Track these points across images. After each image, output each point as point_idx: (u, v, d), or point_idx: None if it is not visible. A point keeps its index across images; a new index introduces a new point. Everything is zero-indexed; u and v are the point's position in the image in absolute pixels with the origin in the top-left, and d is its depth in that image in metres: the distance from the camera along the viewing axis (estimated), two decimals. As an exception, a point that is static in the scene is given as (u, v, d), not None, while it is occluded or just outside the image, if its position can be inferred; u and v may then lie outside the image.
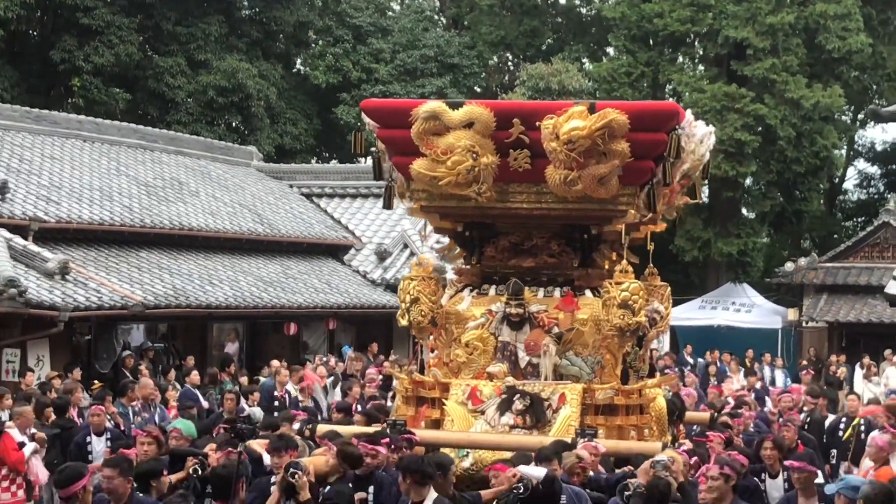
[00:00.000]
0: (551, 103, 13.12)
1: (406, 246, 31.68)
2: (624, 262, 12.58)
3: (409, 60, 45.72)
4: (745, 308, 38.30)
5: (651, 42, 43.02)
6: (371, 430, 12.69)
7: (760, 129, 39.58)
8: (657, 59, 42.41)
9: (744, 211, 44.10)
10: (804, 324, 36.44)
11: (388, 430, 12.17)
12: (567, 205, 12.61)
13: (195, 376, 21.21)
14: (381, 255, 31.78)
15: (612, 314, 12.36)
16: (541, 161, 12.33)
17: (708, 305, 38.72)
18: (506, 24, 48.18)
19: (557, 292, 13.24)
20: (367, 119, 13.34)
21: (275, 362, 22.64)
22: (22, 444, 14.04)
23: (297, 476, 10.15)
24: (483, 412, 12.56)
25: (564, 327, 12.88)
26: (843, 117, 46.39)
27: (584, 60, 47.92)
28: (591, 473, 11.26)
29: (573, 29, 49.87)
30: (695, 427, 15.65)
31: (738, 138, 38.67)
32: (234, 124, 43.83)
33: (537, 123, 12.14)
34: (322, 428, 12.89)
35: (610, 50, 46.83)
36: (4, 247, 22.53)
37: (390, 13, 50.96)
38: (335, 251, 32.72)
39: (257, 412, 13.00)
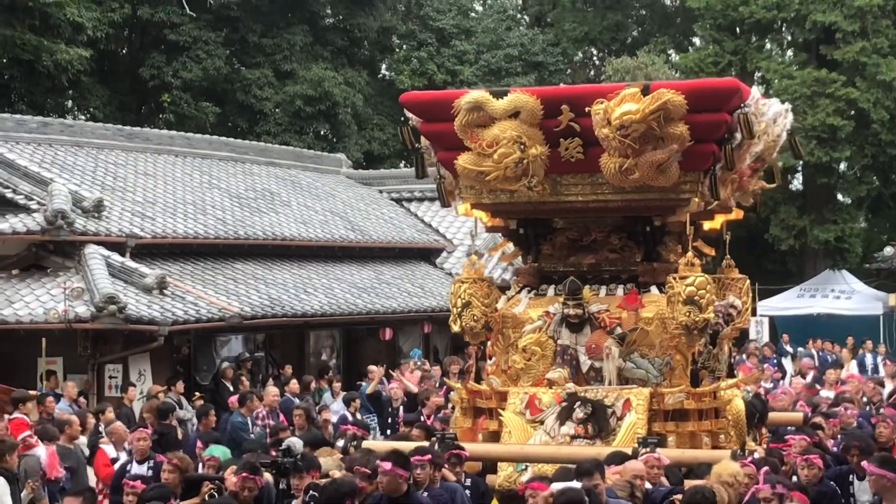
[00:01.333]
0: (602, 86, 12.16)
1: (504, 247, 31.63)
2: (689, 254, 11.78)
3: (494, 61, 45.71)
4: (844, 295, 37.80)
5: (737, 30, 42.59)
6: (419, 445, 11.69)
7: (853, 113, 39.04)
8: (744, 47, 41.98)
9: (839, 197, 43.44)
10: (906, 308, 35.94)
11: (435, 445, 11.45)
12: (625, 195, 11.91)
13: (294, 385, 21.40)
14: (478, 255, 31.75)
15: (678, 311, 11.53)
16: (594, 149, 11.63)
17: (806, 294, 38.27)
18: (589, 20, 48.01)
19: (620, 290, 12.46)
20: (409, 114, 12.78)
21: (372, 368, 22.76)
22: (114, 460, 14.24)
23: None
24: (542, 422, 11.87)
25: (628, 327, 12.10)
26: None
27: (671, 52, 47.61)
28: (649, 486, 10.30)
29: (658, 21, 49.59)
30: (789, 430, 14.52)
31: (830, 123, 38.19)
32: (322, 132, 44.13)
33: (587, 109, 11.41)
34: (370, 444, 12.22)
35: (696, 40, 46.50)
36: (103, 264, 22.85)
37: (473, 14, 50.96)
38: (427, 255, 32.77)
39: (297, 443, 12.42)
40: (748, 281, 13.89)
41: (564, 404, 11.75)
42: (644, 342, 12.04)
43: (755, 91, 12.13)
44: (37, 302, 22.29)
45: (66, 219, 23.07)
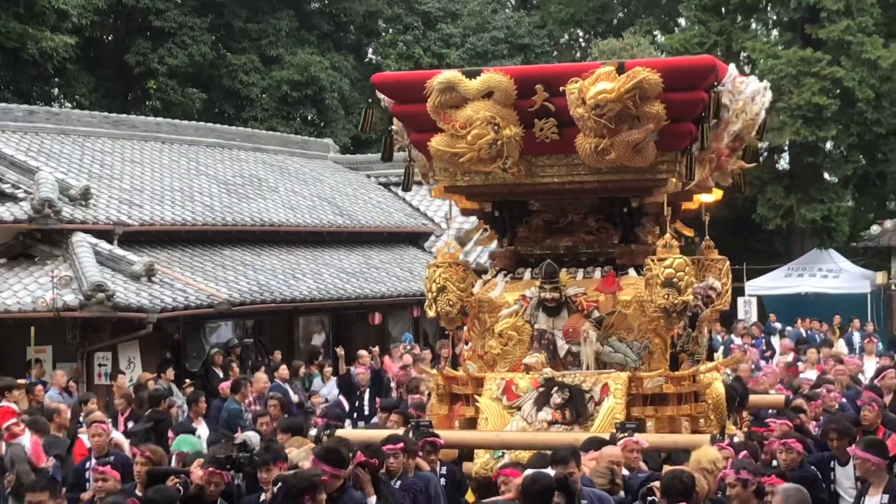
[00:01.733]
0: (576, 65, 11.77)
1: (486, 230, 31.64)
2: (667, 235, 11.43)
3: (480, 43, 45.65)
4: (832, 274, 37.87)
5: (723, 10, 42.66)
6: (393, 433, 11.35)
7: (838, 92, 39.05)
8: (729, 27, 42.00)
9: (826, 176, 43.49)
10: (893, 287, 35.98)
11: (410, 433, 11.15)
12: (602, 176, 11.60)
13: (284, 371, 21.37)
14: (462, 241, 31.76)
15: (656, 294, 11.21)
16: (569, 130, 11.29)
17: (794, 273, 38.34)
18: (575, 1, 47.98)
19: (598, 273, 12.11)
20: (380, 95, 12.42)
21: (362, 352, 22.75)
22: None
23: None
24: (519, 408, 11.55)
25: (605, 311, 11.76)
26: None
27: (656, 33, 47.58)
28: (626, 472, 10.04)
29: (643, 2, 49.50)
30: (770, 412, 14.08)
31: (816, 103, 38.21)
32: (309, 118, 44.08)
33: (561, 88, 11.07)
34: (343, 433, 11.73)
35: (681, 21, 46.48)
36: (90, 252, 22.84)
37: (459, -3, 50.97)
38: (416, 239, 32.79)
39: (253, 437, 12.43)
40: (728, 262, 13.59)
41: (542, 390, 11.47)
42: (622, 326, 11.77)
43: (732, 69, 11.78)
44: (25, 290, 22.27)
45: (54, 207, 23.04)
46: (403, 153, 12.85)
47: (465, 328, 12.55)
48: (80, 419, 15.95)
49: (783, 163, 45.40)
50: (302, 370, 23.13)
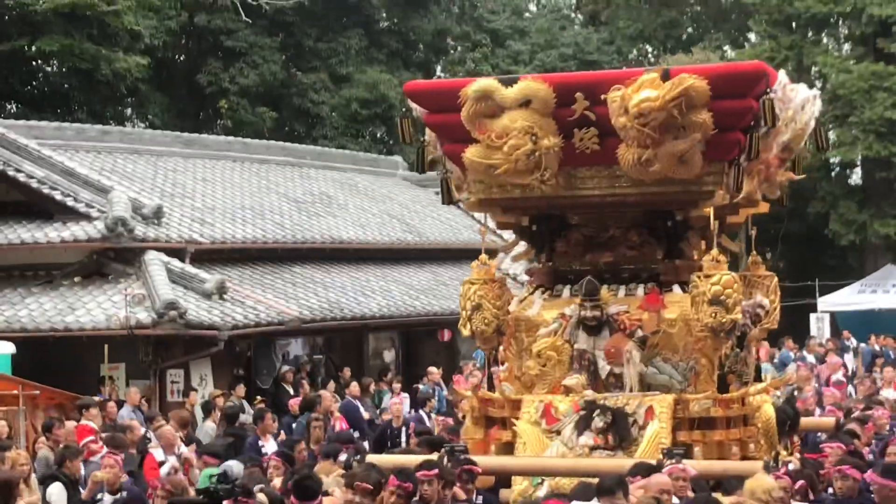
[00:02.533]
0: (619, 72, 10.95)
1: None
2: (714, 251, 10.62)
3: (548, 60, 45.63)
4: (906, 290, 37.40)
5: (793, 25, 42.32)
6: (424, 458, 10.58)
7: (912, 105, 38.66)
8: (800, 42, 41.71)
9: (900, 191, 43.06)
10: (969, 303, 35.49)
11: (444, 459, 10.45)
12: (645, 188, 10.84)
13: (355, 388, 21.37)
14: (490, 253, 31.65)
15: (703, 312, 10.42)
16: (611, 140, 10.59)
17: (868, 289, 37.86)
18: (644, 17, 47.81)
19: (641, 290, 11.33)
20: (413, 105, 11.88)
21: (432, 369, 22.70)
22: (162, 464, 14.30)
23: None
24: (559, 432, 10.79)
25: (649, 330, 11.02)
26: None
27: (726, 48, 47.29)
28: (676, 501, 9.37)
29: (713, 17, 49.31)
30: (820, 436, 13.42)
31: (888, 117, 37.85)
32: (378, 135, 44.24)
33: (603, 97, 10.40)
34: (373, 458, 11.26)
35: (751, 36, 46.19)
36: (163, 270, 22.99)
37: (527, 14, 50.99)
38: (485, 255, 32.69)
39: (235, 467, 11.81)
40: (776, 279, 12.77)
41: (583, 413, 10.75)
42: (667, 345, 11.02)
43: (782, 76, 11.07)
44: (98, 309, 22.45)
45: (127, 226, 23.22)
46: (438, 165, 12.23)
47: (502, 348, 11.92)
48: (149, 436, 16.04)
49: (856, 178, 44.95)
50: (372, 387, 23.14)
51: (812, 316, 36.43)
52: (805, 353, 29.11)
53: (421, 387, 22.71)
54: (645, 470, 9.45)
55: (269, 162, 32.37)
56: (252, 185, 30.16)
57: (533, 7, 53.01)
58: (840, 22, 42.97)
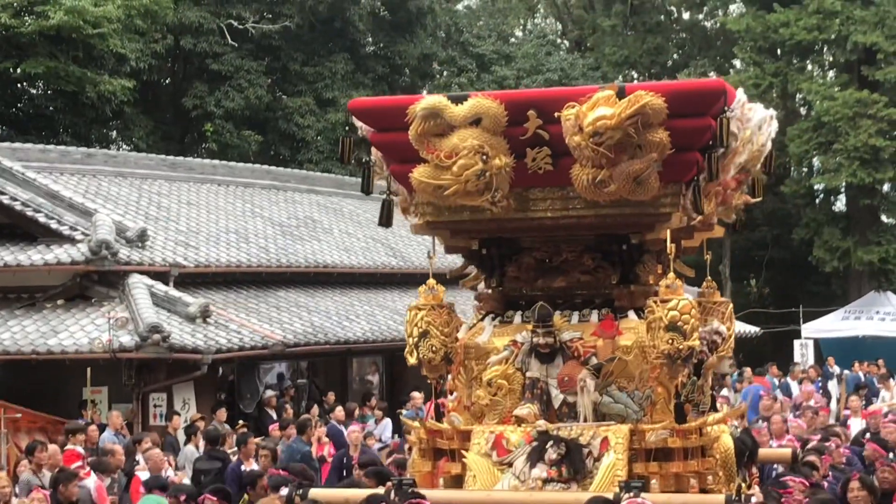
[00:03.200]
0: (573, 89, 10.17)
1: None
2: (671, 275, 9.92)
3: (534, 85, 45.68)
4: (890, 317, 37.50)
5: (778, 52, 42.49)
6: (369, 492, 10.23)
7: (895, 134, 38.85)
8: (785, 68, 41.83)
9: (883, 218, 43.21)
10: (953, 330, 35.60)
11: (391, 493, 10.00)
12: (599, 210, 10.09)
13: (340, 412, 21.32)
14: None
15: (659, 339, 9.72)
16: (564, 160, 9.86)
17: (851, 316, 37.99)
18: (629, 44, 47.99)
19: (595, 316, 10.59)
20: (358, 122, 11.21)
21: (415, 393, 22.67)
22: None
23: None
24: (510, 464, 10.09)
25: (604, 357, 10.29)
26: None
27: (711, 75, 47.44)
28: None
29: (697, 44, 49.51)
30: (776, 468, 12.89)
31: (872, 144, 38.04)
32: (363, 160, 44.16)
33: (556, 115, 9.69)
34: (316, 493, 10.54)
35: (736, 63, 46.37)
36: (147, 293, 22.98)
37: (513, 39, 51.17)
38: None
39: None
40: (731, 305, 12.05)
41: (535, 444, 10.02)
42: (622, 373, 10.33)
43: (741, 94, 10.36)
44: (81, 332, 22.42)
45: (110, 249, 23.22)
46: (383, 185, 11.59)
47: (451, 377, 11.14)
48: (137, 458, 16.00)
49: (840, 205, 45.14)
50: (357, 411, 23.11)
51: (796, 342, 36.51)
52: (789, 379, 29.15)
53: (404, 412, 22.66)
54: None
55: (254, 185, 32.38)
56: (237, 208, 30.17)
57: (519, 32, 53.23)
58: (825, 49, 43.17)
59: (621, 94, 9.52)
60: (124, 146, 40.03)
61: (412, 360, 11.14)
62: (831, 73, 44.11)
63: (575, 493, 9.73)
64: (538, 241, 10.97)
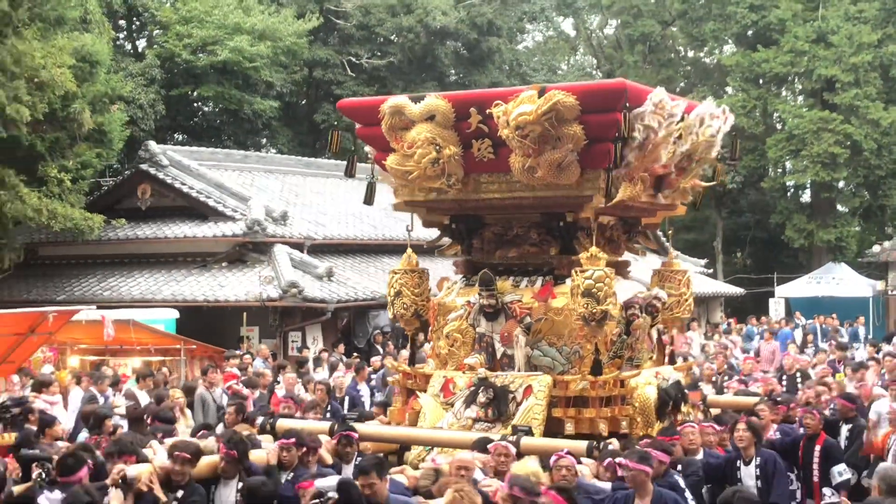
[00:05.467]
0: (506, 90, 9.40)
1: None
2: (593, 248, 9.17)
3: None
4: (843, 282, 36.89)
5: (760, 81, 41.98)
6: (326, 426, 9.56)
7: (849, 144, 38.33)
8: (766, 94, 41.38)
9: (839, 207, 42.63)
10: (890, 292, 35.00)
11: (335, 427, 9.31)
12: (536, 193, 9.45)
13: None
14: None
15: (577, 303, 9.04)
16: (504, 149, 9.31)
17: (814, 281, 37.36)
18: (647, 75, 47.24)
19: (539, 282, 9.94)
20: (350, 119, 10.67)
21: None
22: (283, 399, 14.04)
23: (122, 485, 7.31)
24: (453, 404, 9.56)
25: (537, 317, 9.65)
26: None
27: (709, 98, 46.68)
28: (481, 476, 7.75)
29: (699, 75, 48.88)
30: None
31: (831, 152, 37.72)
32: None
33: (488, 111, 9.18)
34: (283, 423, 9.68)
35: (728, 89, 45.75)
36: (287, 259, 23.20)
37: (559, 72, 50.69)
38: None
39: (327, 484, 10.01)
40: (688, 273, 10.93)
41: (473, 388, 9.47)
42: (550, 331, 9.58)
43: (659, 92, 9.24)
44: (240, 286, 22.70)
45: (261, 225, 23.45)
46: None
47: (430, 329, 10.57)
48: (278, 379, 16.13)
49: (806, 197, 44.58)
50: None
51: (771, 301, 36.11)
52: (766, 327, 28.81)
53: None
54: (482, 445, 8.31)
55: (365, 179, 32.39)
56: (353, 197, 30.07)
57: (564, 66, 52.73)
58: (796, 80, 42.62)
59: (542, 93, 8.87)
60: (272, 150, 40.27)
61: (389, 315, 10.74)
62: (801, 98, 43.47)
63: (469, 433, 8.98)
64: (495, 218, 10.38)
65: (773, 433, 10.39)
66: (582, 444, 8.43)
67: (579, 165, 9.04)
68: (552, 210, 9.76)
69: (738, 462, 9.09)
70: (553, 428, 9.17)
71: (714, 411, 11.16)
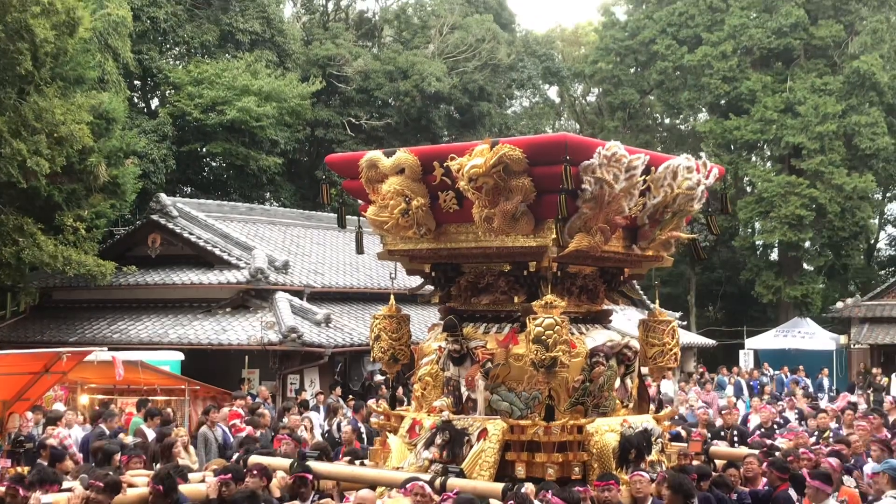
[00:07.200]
0: (464, 144, 9.12)
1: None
2: (548, 296, 8.76)
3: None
4: (808, 335, 36.96)
5: (732, 147, 42.34)
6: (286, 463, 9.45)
7: (814, 206, 38.60)
8: (737, 159, 41.71)
9: (805, 265, 42.75)
10: (852, 346, 35.05)
11: (293, 466, 9.24)
12: (499, 242, 9.12)
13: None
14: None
15: (529, 349, 8.68)
16: (466, 201, 9.04)
17: (781, 334, 37.45)
18: (626, 140, 47.48)
19: (507, 329, 9.54)
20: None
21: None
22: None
23: None
24: (415, 445, 9.31)
25: (498, 362, 9.28)
26: (875, 196, 44.74)
27: (683, 154, 47.15)
28: None
29: (675, 140, 49.29)
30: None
31: (798, 214, 38.02)
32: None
33: (444, 164, 8.99)
34: (254, 459, 9.58)
35: (702, 154, 46.13)
36: (288, 305, 23.15)
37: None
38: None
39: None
40: (674, 323, 10.41)
41: (434, 430, 9.19)
42: (510, 377, 9.21)
43: (612, 147, 8.69)
44: (242, 331, 22.62)
45: (264, 274, 23.44)
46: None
47: (413, 372, 10.33)
48: (283, 420, 15.97)
49: (774, 255, 44.73)
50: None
51: (741, 352, 36.10)
52: (738, 377, 28.76)
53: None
54: (408, 481, 8.06)
55: (364, 232, 32.41)
56: (350, 248, 30.13)
57: (549, 130, 53.04)
58: (765, 146, 42.99)
59: (494, 146, 8.60)
60: (275, 203, 40.34)
61: (371, 358, 10.63)
62: (769, 163, 43.79)
63: (399, 473, 8.82)
64: (469, 266, 10.01)
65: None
66: (497, 487, 8.16)
67: (533, 216, 8.80)
68: (516, 259, 9.43)
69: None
70: (506, 471, 8.89)
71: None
